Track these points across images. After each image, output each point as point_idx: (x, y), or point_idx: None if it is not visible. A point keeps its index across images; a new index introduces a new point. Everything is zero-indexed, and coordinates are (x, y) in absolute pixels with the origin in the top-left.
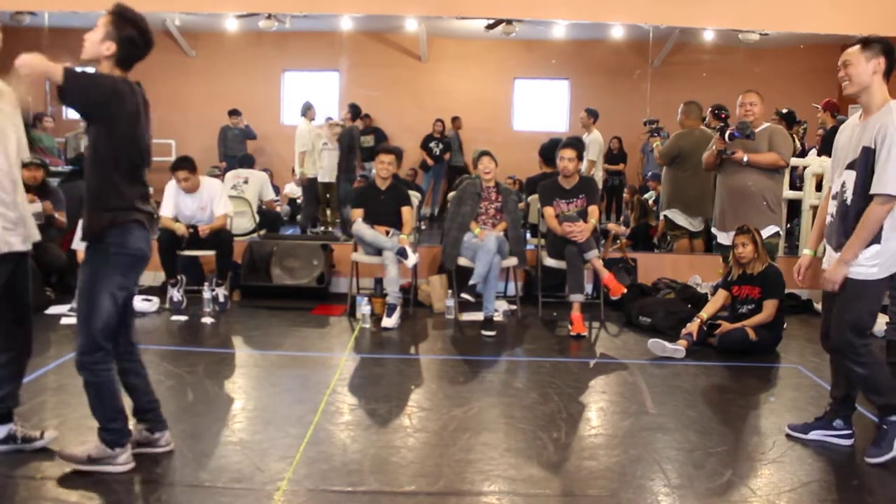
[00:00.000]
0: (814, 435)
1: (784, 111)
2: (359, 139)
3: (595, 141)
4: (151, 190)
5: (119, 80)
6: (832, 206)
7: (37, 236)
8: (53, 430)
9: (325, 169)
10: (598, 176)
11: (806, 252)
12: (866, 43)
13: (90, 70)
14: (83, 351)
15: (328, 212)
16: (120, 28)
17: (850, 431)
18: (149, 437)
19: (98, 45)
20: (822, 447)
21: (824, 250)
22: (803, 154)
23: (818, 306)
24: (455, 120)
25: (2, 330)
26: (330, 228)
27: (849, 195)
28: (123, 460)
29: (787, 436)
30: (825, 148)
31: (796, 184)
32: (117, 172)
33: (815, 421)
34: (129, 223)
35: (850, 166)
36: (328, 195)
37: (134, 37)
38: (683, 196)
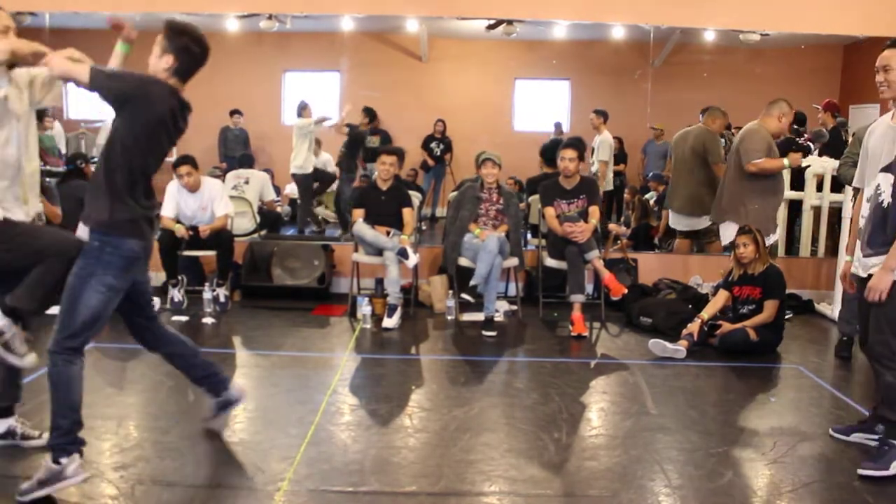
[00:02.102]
0: (856, 437)
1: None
2: (365, 141)
3: (605, 142)
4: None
5: (153, 82)
6: (866, 209)
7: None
8: None
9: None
10: (611, 177)
11: (847, 259)
12: None
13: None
14: (55, 342)
15: (326, 210)
16: (174, 39)
17: None
18: (216, 399)
19: (157, 62)
20: (823, 447)
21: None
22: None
23: (819, 307)
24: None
25: None
26: (315, 227)
27: (885, 198)
28: (71, 472)
29: (830, 436)
30: (826, 148)
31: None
32: (127, 169)
33: (858, 424)
34: (127, 222)
35: (885, 169)
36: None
37: (189, 45)
38: (671, 195)
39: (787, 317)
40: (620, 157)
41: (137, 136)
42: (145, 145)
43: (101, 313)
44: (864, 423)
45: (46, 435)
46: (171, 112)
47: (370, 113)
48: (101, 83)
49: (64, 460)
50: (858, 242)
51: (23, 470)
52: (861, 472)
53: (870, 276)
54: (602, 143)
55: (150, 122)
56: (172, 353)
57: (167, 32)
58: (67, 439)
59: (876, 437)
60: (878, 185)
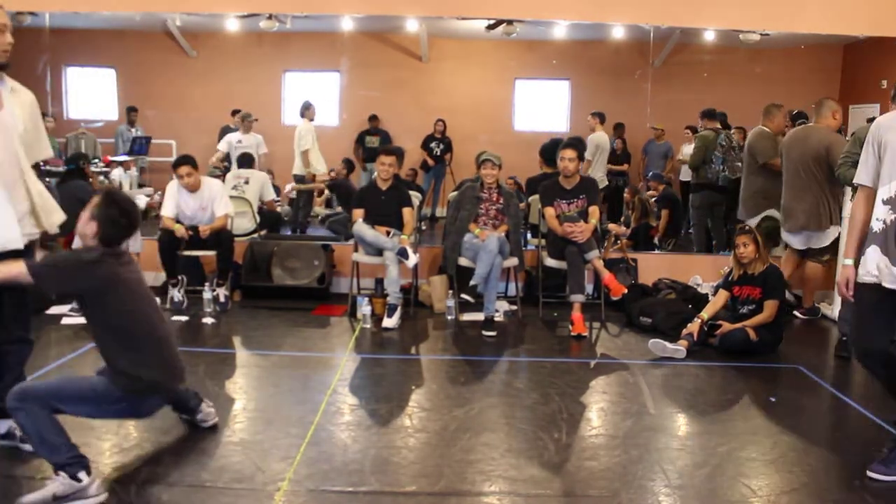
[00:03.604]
0: None
1: (794, 112)
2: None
3: (592, 140)
4: (153, 190)
5: (87, 257)
6: (883, 212)
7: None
8: None
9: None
10: (598, 177)
11: (848, 262)
12: None
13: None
14: (28, 393)
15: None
16: (103, 208)
17: None
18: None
19: (84, 226)
20: (823, 447)
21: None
22: None
23: (819, 307)
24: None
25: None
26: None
27: None
28: (95, 490)
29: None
30: None
31: None
32: (119, 343)
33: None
34: (143, 391)
35: None
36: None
37: (115, 217)
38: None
39: (798, 314)
40: (623, 157)
41: (110, 308)
42: (123, 313)
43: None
44: None
45: None
46: (114, 274)
47: (349, 165)
48: (45, 278)
49: (83, 476)
50: (874, 249)
51: (23, 471)
52: (870, 474)
53: None
54: (589, 142)
55: (108, 291)
56: None
57: (101, 199)
58: (71, 455)
59: None
60: None
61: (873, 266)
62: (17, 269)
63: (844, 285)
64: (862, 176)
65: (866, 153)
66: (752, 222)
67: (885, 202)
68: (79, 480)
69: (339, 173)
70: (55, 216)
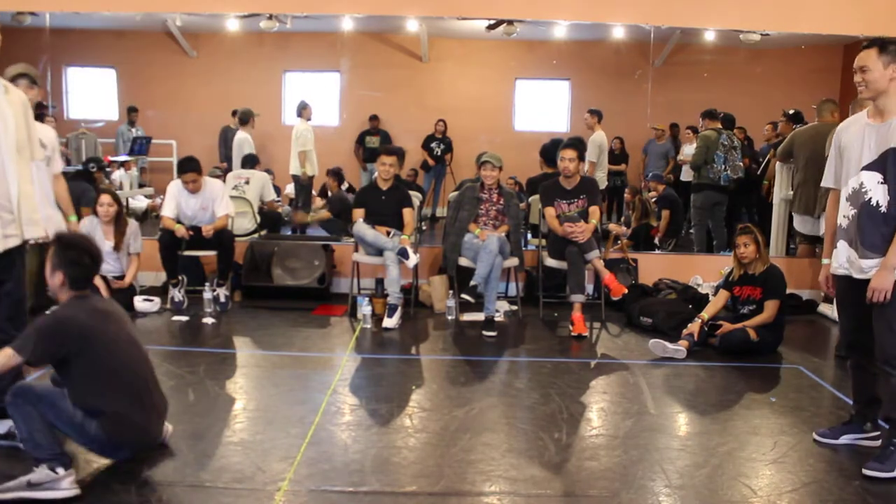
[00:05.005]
0: (845, 439)
1: (791, 112)
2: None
3: (594, 141)
4: (153, 190)
5: (80, 317)
6: (846, 208)
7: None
8: None
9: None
10: (600, 177)
11: (826, 262)
12: (883, 47)
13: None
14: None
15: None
16: (61, 255)
17: (878, 433)
18: None
19: (51, 279)
20: (823, 447)
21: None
22: None
23: (820, 307)
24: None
25: None
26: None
27: (876, 197)
28: (67, 485)
29: (816, 442)
30: None
31: None
32: (101, 392)
33: (842, 426)
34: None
35: (869, 167)
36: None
37: (76, 258)
38: (797, 197)
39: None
40: (622, 157)
41: (95, 372)
42: (110, 371)
43: None
44: (848, 424)
45: None
46: (93, 327)
47: (339, 176)
48: (37, 354)
49: (60, 470)
50: (842, 243)
51: (23, 471)
52: (866, 472)
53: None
54: (591, 143)
55: (100, 351)
56: None
57: (55, 247)
58: (53, 452)
59: (865, 436)
60: (863, 184)
61: (844, 259)
62: (4, 357)
63: (825, 283)
64: (828, 178)
65: (831, 156)
66: None
67: (847, 199)
68: (55, 472)
69: (330, 188)
70: (33, 229)
